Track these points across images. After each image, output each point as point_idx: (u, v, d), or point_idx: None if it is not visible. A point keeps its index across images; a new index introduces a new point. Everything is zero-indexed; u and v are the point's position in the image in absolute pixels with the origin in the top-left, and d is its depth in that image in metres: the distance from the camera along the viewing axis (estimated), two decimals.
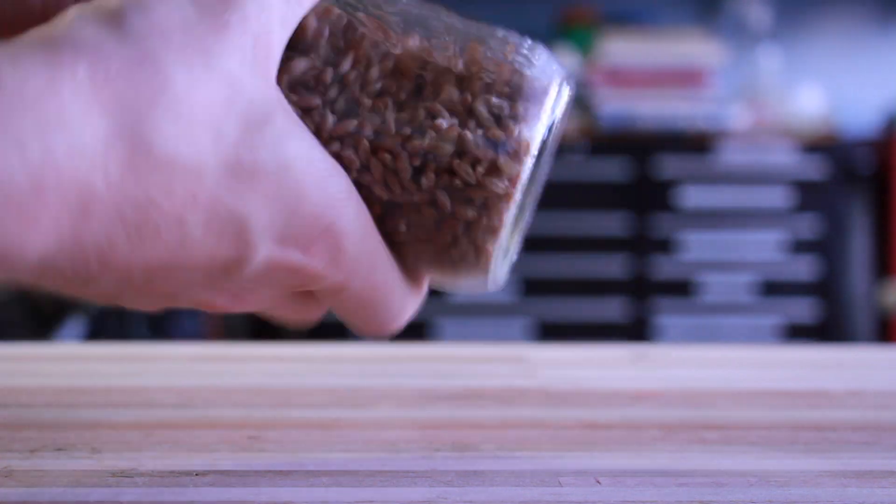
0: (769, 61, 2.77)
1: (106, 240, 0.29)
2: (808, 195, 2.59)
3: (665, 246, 2.59)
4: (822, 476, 0.36)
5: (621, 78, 2.65)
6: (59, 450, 0.39)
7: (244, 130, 0.30)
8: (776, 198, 2.59)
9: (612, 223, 2.58)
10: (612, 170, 2.59)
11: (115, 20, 0.29)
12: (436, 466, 0.37)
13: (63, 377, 0.53)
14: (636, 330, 2.58)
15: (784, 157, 2.59)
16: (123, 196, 0.29)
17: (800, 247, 2.60)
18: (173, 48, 0.30)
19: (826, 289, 2.60)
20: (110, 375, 0.52)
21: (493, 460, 0.38)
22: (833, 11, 2.91)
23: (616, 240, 2.58)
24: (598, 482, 0.35)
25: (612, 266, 2.58)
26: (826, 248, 2.61)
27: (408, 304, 0.36)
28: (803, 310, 2.60)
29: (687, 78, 2.65)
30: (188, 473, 0.36)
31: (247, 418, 0.44)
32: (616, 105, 2.65)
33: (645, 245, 2.60)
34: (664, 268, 2.59)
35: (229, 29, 0.31)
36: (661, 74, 2.66)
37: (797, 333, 2.59)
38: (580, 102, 2.68)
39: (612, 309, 2.58)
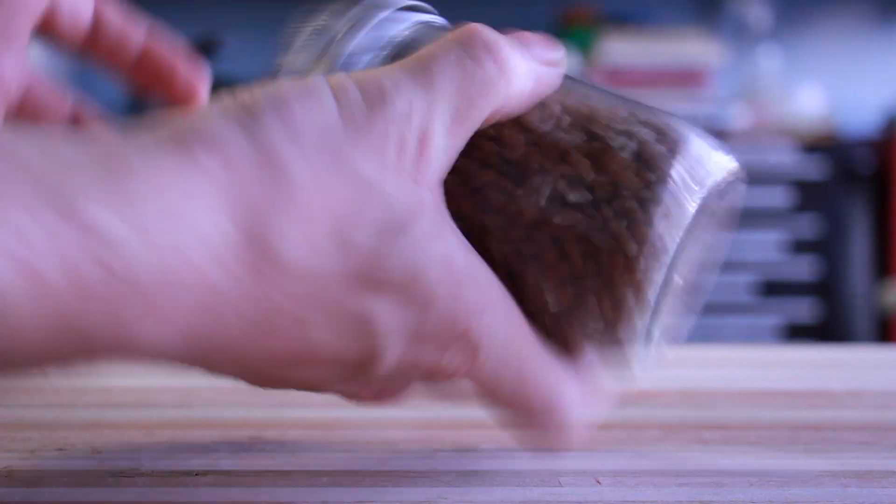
0: (769, 61, 2.77)
1: (224, 334, 0.28)
2: (808, 195, 2.59)
3: None
4: (822, 476, 0.36)
5: (621, 78, 2.65)
6: (59, 450, 0.39)
7: (377, 237, 0.30)
8: (776, 198, 2.59)
9: None
10: None
11: (251, 117, 0.29)
12: (436, 466, 0.37)
13: (63, 377, 0.53)
14: None
15: (784, 157, 2.59)
16: (244, 296, 0.28)
17: (800, 247, 2.60)
18: (305, 151, 0.29)
19: (826, 289, 2.60)
20: (110, 375, 0.52)
21: (493, 460, 0.38)
22: (833, 11, 2.91)
23: None
24: (598, 482, 0.35)
25: None
26: (826, 248, 2.61)
27: (573, 398, 0.34)
28: (803, 310, 2.60)
29: (687, 78, 2.65)
30: (188, 473, 0.36)
31: (247, 418, 0.44)
32: None
33: None
34: None
35: (369, 132, 0.30)
36: (661, 74, 2.66)
37: (797, 333, 2.59)
38: None
39: None
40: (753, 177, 2.59)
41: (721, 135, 2.58)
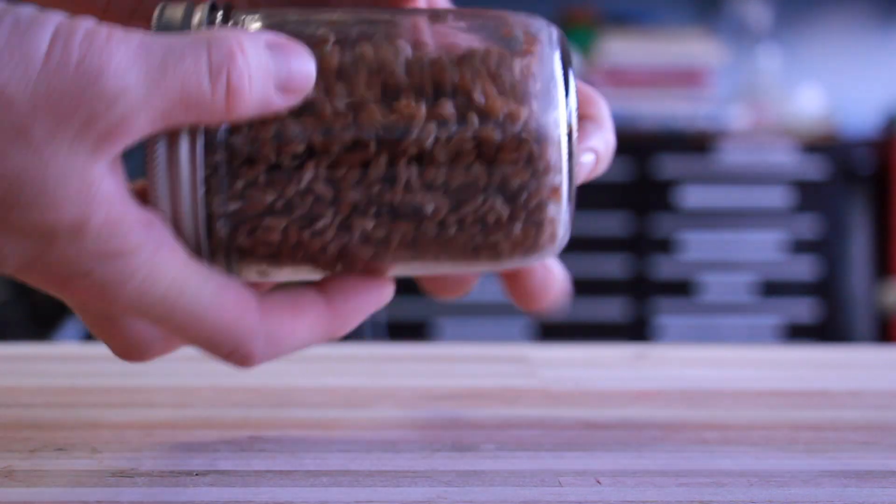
0: (769, 61, 2.77)
1: None
2: (808, 195, 2.59)
3: (665, 246, 2.59)
4: (822, 476, 0.36)
5: (621, 78, 2.65)
6: (59, 450, 0.39)
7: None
8: (776, 198, 2.59)
9: (612, 223, 2.58)
10: (612, 170, 2.59)
11: None
12: (436, 466, 0.37)
13: (63, 377, 0.53)
14: (636, 330, 2.58)
15: (784, 157, 2.59)
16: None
17: (800, 247, 2.60)
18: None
19: (826, 289, 2.60)
20: (110, 375, 0.52)
21: (493, 460, 0.38)
22: (833, 11, 2.91)
23: (616, 240, 2.58)
24: (598, 482, 0.35)
25: (612, 266, 2.58)
26: (826, 248, 2.60)
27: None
28: (803, 310, 2.60)
29: (687, 78, 2.65)
30: (188, 473, 0.36)
31: (247, 418, 0.44)
32: (616, 105, 2.64)
33: (645, 245, 2.59)
34: (664, 268, 2.59)
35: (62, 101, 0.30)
36: (661, 74, 2.66)
37: (797, 333, 2.59)
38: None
39: (612, 309, 2.58)
40: (753, 177, 2.60)
41: (721, 135, 2.58)
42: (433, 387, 0.50)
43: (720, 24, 2.84)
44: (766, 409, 0.47)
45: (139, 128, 0.31)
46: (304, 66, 0.33)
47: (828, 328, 2.60)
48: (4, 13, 0.30)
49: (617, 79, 2.65)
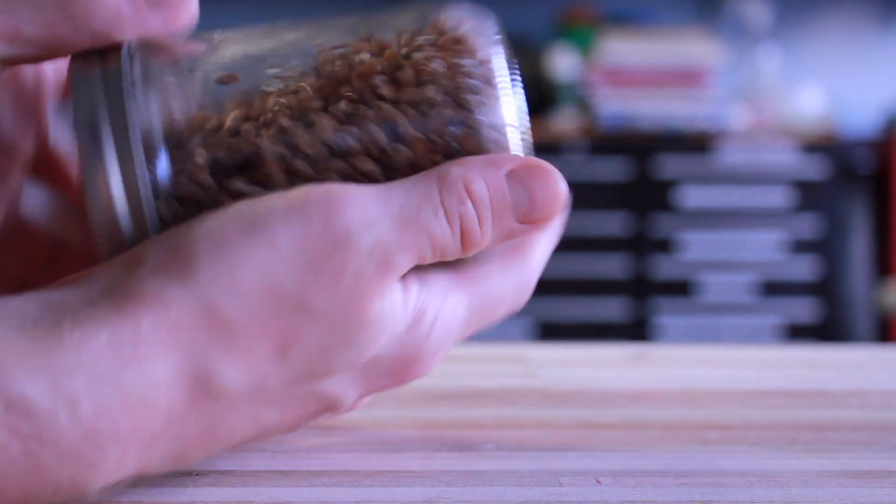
0: (769, 61, 2.78)
1: (178, 454, 0.32)
2: (808, 195, 2.59)
3: (665, 246, 2.59)
4: (822, 476, 0.36)
5: (621, 78, 2.65)
6: None
7: (318, 353, 0.32)
8: (776, 198, 2.59)
9: (612, 223, 2.58)
10: (612, 170, 2.59)
11: (187, 272, 0.30)
12: (436, 466, 0.37)
13: None
14: (636, 330, 2.58)
15: (784, 157, 2.59)
16: (191, 429, 0.31)
17: (800, 247, 2.60)
18: (245, 299, 0.30)
19: (826, 289, 2.61)
20: None
21: (493, 460, 0.38)
22: (833, 11, 2.91)
23: (616, 240, 2.59)
24: (598, 482, 0.35)
25: (612, 266, 2.58)
26: (826, 248, 2.61)
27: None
28: (803, 310, 2.60)
29: (687, 78, 2.65)
30: (188, 473, 0.36)
31: None
32: (616, 105, 2.65)
33: (645, 245, 2.60)
34: (664, 268, 2.59)
35: (322, 268, 0.31)
36: (661, 74, 2.66)
37: (797, 333, 2.59)
38: (580, 102, 2.68)
39: (612, 309, 2.58)
40: (753, 177, 2.60)
41: (721, 135, 2.58)
42: (433, 387, 0.50)
43: (720, 24, 2.84)
44: (766, 409, 0.47)
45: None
46: (550, 191, 0.34)
47: (828, 328, 2.60)
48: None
49: (617, 79, 2.65)
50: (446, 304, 0.34)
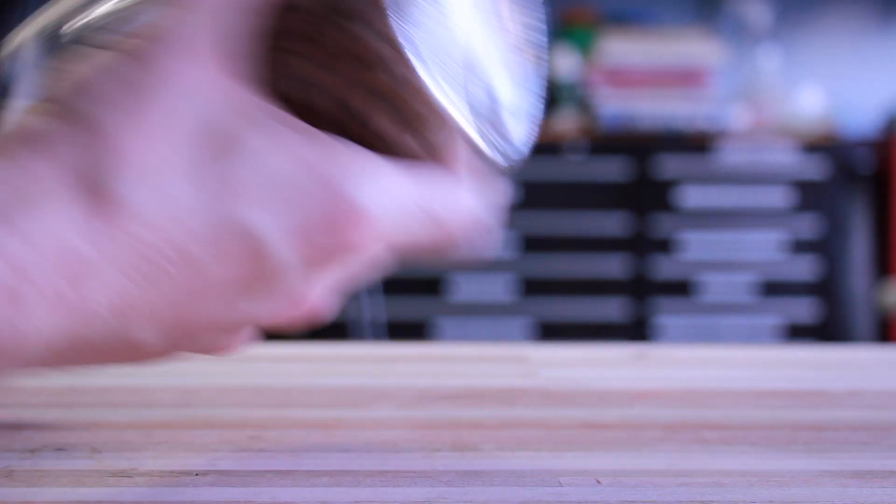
0: (769, 61, 2.77)
1: (117, 296, 0.29)
2: (808, 195, 2.59)
3: (665, 246, 2.59)
4: (822, 476, 0.36)
5: (621, 78, 2.65)
6: (59, 450, 0.39)
7: (213, 157, 0.30)
8: (776, 198, 2.59)
9: (612, 223, 2.58)
10: (612, 170, 2.59)
11: (63, 108, 0.30)
12: (436, 466, 0.37)
13: (63, 377, 0.53)
14: (636, 330, 2.58)
15: (784, 157, 2.59)
16: (115, 252, 0.29)
17: (800, 247, 2.60)
18: (109, 111, 0.30)
19: (826, 289, 2.60)
20: (110, 375, 0.52)
21: (493, 460, 0.38)
22: (833, 11, 2.91)
23: (616, 240, 2.58)
24: (598, 482, 0.35)
25: (612, 266, 2.58)
26: (826, 248, 2.61)
27: (457, 195, 0.34)
28: (803, 310, 2.60)
29: (687, 78, 2.65)
30: (188, 473, 0.36)
31: (247, 418, 0.44)
32: (616, 105, 2.65)
33: (645, 245, 2.60)
34: (664, 268, 2.59)
35: (154, 74, 0.30)
36: (661, 74, 2.66)
37: (797, 333, 2.59)
38: (580, 102, 2.68)
39: (612, 309, 2.58)
40: (753, 177, 2.60)
41: (721, 135, 2.58)
42: (433, 387, 0.50)
43: (720, 24, 2.84)
44: (766, 409, 0.47)
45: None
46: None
47: (828, 328, 2.60)
48: None
49: (617, 79, 2.65)
50: (365, 157, 0.32)
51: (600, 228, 2.58)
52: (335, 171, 0.31)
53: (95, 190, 0.29)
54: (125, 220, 0.29)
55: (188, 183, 0.30)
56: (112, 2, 0.35)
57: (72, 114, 0.30)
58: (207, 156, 0.30)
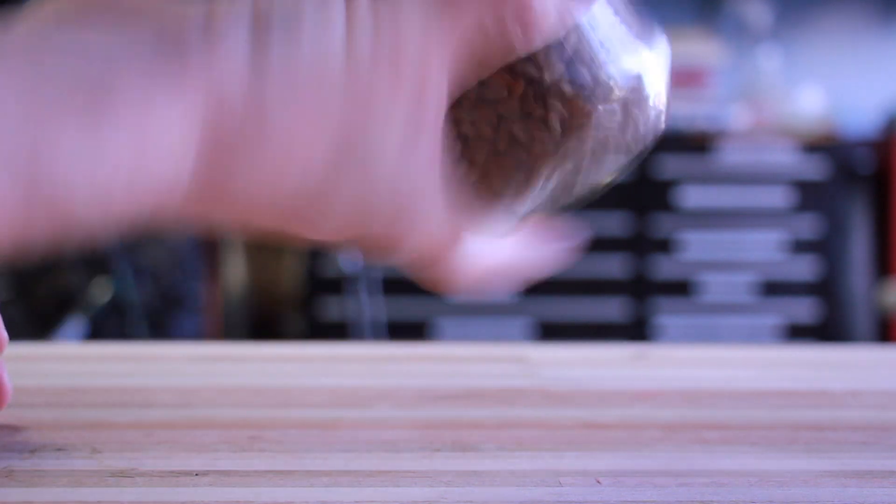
0: (769, 61, 2.77)
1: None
2: (808, 195, 2.59)
3: (665, 246, 2.59)
4: (822, 476, 0.36)
5: None
6: (59, 450, 0.39)
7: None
8: (776, 198, 2.59)
9: (612, 223, 2.58)
10: None
11: (261, 29, 0.28)
12: (436, 466, 0.37)
13: (63, 377, 0.53)
14: (636, 330, 2.58)
15: (784, 157, 2.59)
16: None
17: (800, 247, 2.60)
18: (296, 89, 0.29)
19: (826, 289, 2.60)
20: (110, 375, 0.52)
21: (493, 460, 0.38)
22: (833, 11, 2.91)
23: (616, 240, 2.58)
24: (598, 482, 0.35)
25: (612, 266, 2.58)
26: (826, 248, 2.61)
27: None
28: (803, 310, 2.60)
29: (687, 78, 2.64)
30: (188, 473, 0.36)
31: (247, 418, 0.44)
32: None
33: (645, 245, 2.60)
34: (664, 268, 2.59)
35: (367, 63, 0.29)
36: None
37: (797, 333, 2.59)
38: None
39: (612, 309, 2.58)
40: (753, 177, 2.60)
41: (721, 135, 2.58)
42: (433, 387, 0.50)
43: (720, 24, 2.84)
44: (766, 409, 0.47)
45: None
46: None
47: (828, 328, 2.60)
48: None
49: None
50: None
51: (600, 228, 2.58)
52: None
53: (214, 163, 0.28)
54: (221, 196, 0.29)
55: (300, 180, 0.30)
56: None
57: (259, 53, 0.28)
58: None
